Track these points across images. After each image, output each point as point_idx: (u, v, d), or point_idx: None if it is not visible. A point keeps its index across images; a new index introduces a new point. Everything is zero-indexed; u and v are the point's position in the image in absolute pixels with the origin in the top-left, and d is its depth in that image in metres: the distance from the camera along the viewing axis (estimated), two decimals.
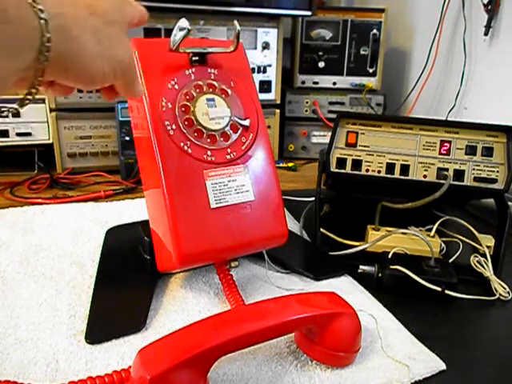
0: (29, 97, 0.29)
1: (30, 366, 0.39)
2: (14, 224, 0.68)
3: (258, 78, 1.02)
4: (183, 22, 0.44)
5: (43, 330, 0.44)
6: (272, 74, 1.03)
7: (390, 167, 0.60)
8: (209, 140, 0.47)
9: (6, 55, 0.25)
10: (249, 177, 0.49)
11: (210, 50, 0.50)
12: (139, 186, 0.84)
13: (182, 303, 0.50)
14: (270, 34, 1.00)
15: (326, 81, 1.13)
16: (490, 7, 0.93)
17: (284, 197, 0.52)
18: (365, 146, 0.60)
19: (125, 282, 0.53)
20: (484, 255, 0.60)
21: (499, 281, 0.55)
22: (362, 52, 1.12)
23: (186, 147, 0.46)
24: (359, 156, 0.60)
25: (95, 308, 0.48)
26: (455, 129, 0.59)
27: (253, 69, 1.01)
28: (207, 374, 0.35)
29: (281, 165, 1.04)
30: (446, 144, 0.59)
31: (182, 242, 0.45)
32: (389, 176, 0.60)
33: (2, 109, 0.31)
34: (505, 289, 0.54)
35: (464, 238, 0.67)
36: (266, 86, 1.03)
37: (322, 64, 1.11)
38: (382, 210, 0.63)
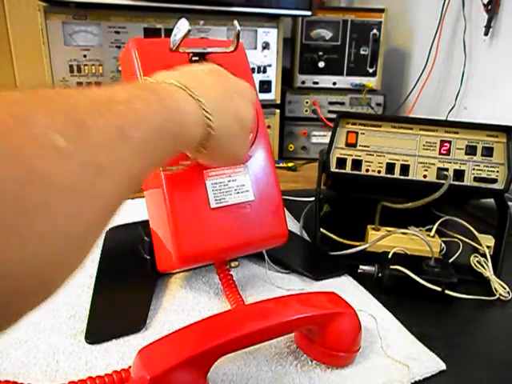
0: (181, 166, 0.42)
1: (29, 366, 0.39)
2: None
3: (258, 77, 1.02)
4: (183, 22, 0.44)
5: (43, 330, 0.44)
6: (272, 74, 1.03)
7: (390, 167, 0.60)
8: None
9: (178, 149, 0.34)
10: (249, 177, 0.49)
11: (209, 49, 0.50)
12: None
13: (181, 303, 0.50)
14: (270, 34, 1.00)
15: (326, 81, 1.13)
16: (490, 7, 0.93)
17: (284, 197, 0.52)
18: (365, 146, 0.60)
19: (125, 282, 0.53)
20: (484, 255, 0.60)
21: (499, 281, 0.55)
22: (361, 52, 1.12)
23: None
24: (359, 156, 0.60)
25: (95, 308, 0.48)
26: (455, 129, 0.59)
27: (253, 69, 1.01)
28: (207, 374, 0.35)
29: (281, 165, 1.04)
30: (445, 144, 0.59)
31: (181, 242, 0.45)
32: (389, 176, 0.60)
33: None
34: (505, 289, 0.54)
35: (464, 238, 0.67)
36: (265, 86, 1.03)
37: (321, 64, 1.11)
38: (382, 210, 0.63)
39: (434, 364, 0.42)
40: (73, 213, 0.20)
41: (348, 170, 0.61)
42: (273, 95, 1.05)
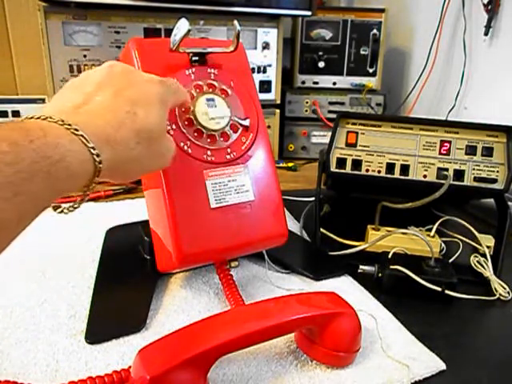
0: (84, 198, 0.35)
1: (29, 366, 0.39)
2: None
3: (258, 77, 1.02)
4: (183, 22, 0.44)
5: (43, 330, 0.44)
6: (272, 74, 1.03)
7: (390, 167, 0.60)
8: (209, 140, 0.47)
9: (61, 192, 0.30)
10: (249, 177, 0.49)
11: (209, 49, 0.50)
12: (139, 186, 0.84)
13: (182, 303, 0.50)
14: (270, 34, 1.00)
15: (326, 81, 1.13)
16: (490, 7, 0.93)
17: (284, 197, 0.52)
18: (365, 146, 0.60)
19: (125, 282, 0.53)
20: (484, 255, 0.60)
21: (499, 281, 0.55)
22: (361, 52, 1.12)
23: (186, 147, 0.46)
24: (359, 156, 0.60)
25: (95, 308, 0.48)
26: (455, 129, 0.59)
27: (253, 69, 1.01)
28: (207, 374, 0.35)
29: (281, 165, 1.04)
30: (445, 144, 0.59)
31: (181, 241, 0.45)
32: (389, 176, 0.60)
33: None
34: (505, 289, 0.54)
35: (464, 238, 0.67)
36: (266, 86, 1.03)
37: (321, 64, 1.11)
38: (382, 210, 0.63)
39: (434, 364, 0.42)
40: None
41: (348, 170, 0.61)
42: (273, 95, 1.05)
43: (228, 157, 0.48)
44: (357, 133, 0.60)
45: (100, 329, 0.45)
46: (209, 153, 0.47)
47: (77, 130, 0.30)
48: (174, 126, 0.46)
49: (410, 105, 1.19)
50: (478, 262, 0.59)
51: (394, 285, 0.53)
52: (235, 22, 0.48)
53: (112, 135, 0.33)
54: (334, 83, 1.13)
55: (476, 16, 0.99)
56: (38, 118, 0.30)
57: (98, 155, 0.31)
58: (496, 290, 0.54)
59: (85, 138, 0.30)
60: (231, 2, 0.90)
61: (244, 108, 0.51)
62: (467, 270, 0.59)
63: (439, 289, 0.51)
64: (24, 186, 0.26)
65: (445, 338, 0.46)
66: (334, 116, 0.95)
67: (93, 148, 0.30)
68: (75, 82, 0.37)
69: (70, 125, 0.30)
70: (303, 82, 1.13)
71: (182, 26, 0.44)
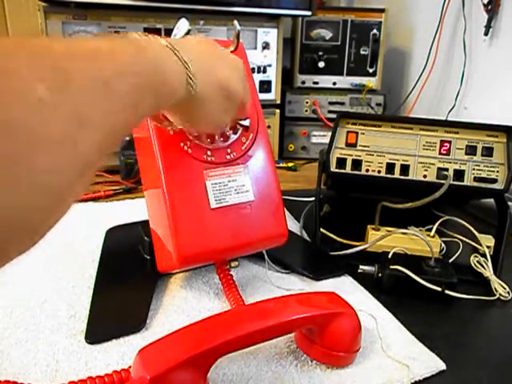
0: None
1: (29, 366, 0.39)
2: None
3: (258, 77, 1.02)
4: (183, 22, 0.44)
5: (43, 330, 0.44)
6: (272, 74, 1.03)
7: (390, 167, 0.60)
8: (209, 140, 0.47)
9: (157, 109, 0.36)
10: (249, 177, 0.49)
11: None
12: (139, 186, 0.84)
13: (182, 303, 0.50)
14: (270, 34, 1.00)
15: (326, 81, 1.13)
16: (490, 7, 0.93)
17: (284, 197, 0.52)
18: (365, 146, 0.60)
19: (125, 282, 0.53)
20: (484, 255, 0.60)
21: (499, 281, 0.55)
22: (361, 52, 1.12)
23: (185, 147, 0.46)
24: (359, 156, 0.60)
25: (95, 308, 0.48)
26: (455, 129, 0.59)
27: (253, 69, 1.01)
28: (207, 374, 0.35)
29: (281, 165, 1.04)
30: (445, 144, 0.59)
31: (182, 242, 0.45)
32: (389, 176, 0.60)
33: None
34: (505, 289, 0.54)
35: (464, 238, 0.67)
36: (266, 86, 1.03)
37: (321, 64, 1.11)
38: (382, 210, 0.63)
39: (434, 364, 0.42)
40: (52, 165, 0.21)
41: (348, 170, 0.61)
42: (273, 95, 1.05)
43: (228, 157, 0.48)
44: (357, 133, 0.60)
45: (100, 329, 0.45)
46: (209, 153, 0.47)
47: (180, 57, 0.34)
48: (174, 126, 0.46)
49: (409, 105, 1.19)
50: (477, 262, 0.59)
51: (394, 285, 0.53)
52: (235, 22, 0.48)
53: (204, 73, 0.37)
54: (334, 83, 1.13)
55: (476, 16, 0.99)
56: (145, 38, 0.33)
57: (194, 83, 0.35)
58: (496, 290, 0.54)
59: (186, 63, 0.34)
60: (231, 1, 0.90)
61: None
62: (467, 269, 0.59)
63: (439, 289, 0.51)
64: (137, 96, 0.28)
65: (445, 338, 0.46)
66: (333, 116, 0.95)
67: (193, 75, 0.35)
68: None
69: (174, 49, 0.34)
70: (303, 82, 1.13)
71: (182, 26, 0.44)
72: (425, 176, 0.59)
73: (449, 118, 1.05)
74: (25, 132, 0.19)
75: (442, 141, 0.59)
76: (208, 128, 0.44)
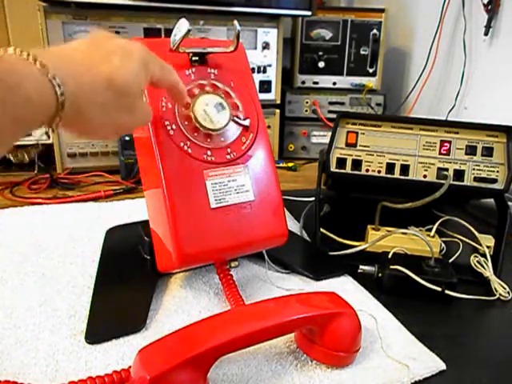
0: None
1: (29, 366, 0.39)
2: (14, 224, 0.68)
3: (258, 77, 1.02)
4: (183, 22, 0.44)
5: (43, 330, 0.44)
6: (272, 74, 1.03)
7: (390, 167, 0.60)
8: (209, 140, 0.47)
9: (23, 122, 0.29)
10: (249, 177, 0.49)
11: (209, 49, 0.50)
12: (139, 186, 0.84)
13: (182, 303, 0.50)
14: (270, 34, 1.00)
15: (326, 81, 1.13)
16: (490, 7, 0.93)
17: (284, 197, 0.52)
18: (365, 146, 0.60)
19: (125, 282, 0.53)
20: (484, 255, 0.60)
21: (499, 281, 0.55)
22: (361, 52, 1.12)
23: (185, 147, 0.46)
24: (359, 156, 0.60)
25: (95, 308, 0.48)
26: (455, 129, 0.59)
27: (253, 69, 1.01)
28: (207, 374, 0.35)
29: (281, 165, 1.04)
30: (445, 144, 0.59)
31: (181, 241, 0.45)
32: (389, 176, 0.60)
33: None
34: (505, 289, 0.54)
35: (464, 238, 0.67)
36: (266, 86, 1.03)
37: (321, 64, 1.11)
38: (382, 210, 0.63)
39: (434, 364, 0.42)
40: None
41: (348, 170, 0.61)
42: (273, 95, 1.05)
43: (228, 157, 0.48)
44: (357, 133, 0.60)
45: (100, 329, 0.45)
46: (209, 153, 0.47)
47: (36, 58, 0.29)
48: (174, 126, 0.46)
49: (409, 105, 1.19)
50: (477, 261, 0.59)
51: (394, 285, 0.53)
52: (235, 22, 0.48)
53: (79, 73, 0.32)
54: (334, 83, 1.13)
55: (476, 16, 0.99)
56: None
57: (59, 86, 0.29)
58: (496, 290, 0.54)
59: (44, 66, 0.29)
60: (231, 1, 0.90)
61: (244, 108, 0.51)
62: (467, 269, 0.59)
63: (439, 289, 0.51)
64: None
65: (445, 338, 0.46)
66: (334, 116, 0.95)
67: (53, 77, 0.29)
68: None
69: (29, 54, 0.29)
70: (303, 82, 1.13)
71: (182, 26, 0.44)
72: (425, 176, 0.59)
73: (449, 118, 1.05)
74: None
75: (441, 141, 0.59)
76: (107, 133, 0.38)
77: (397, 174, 0.60)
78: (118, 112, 0.35)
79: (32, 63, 0.29)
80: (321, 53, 1.11)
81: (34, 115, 0.29)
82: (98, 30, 0.37)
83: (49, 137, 0.89)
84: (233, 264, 0.50)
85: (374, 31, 1.10)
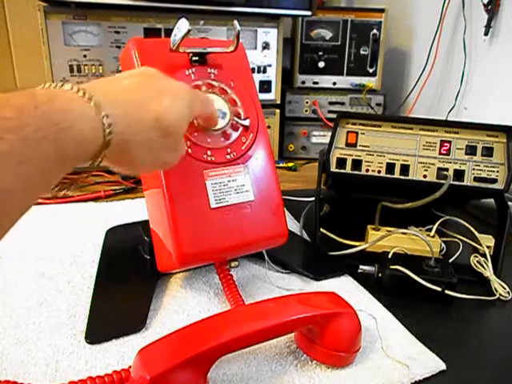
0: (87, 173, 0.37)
1: (30, 366, 0.39)
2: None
3: (258, 78, 1.02)
4: (183, 22, 0.44)
5: (43, 330, 0.44)
6: (272, 74, 1.03)
7: (390, 167, 0.60)
8: (209, 140, 0.47)
9: (70, 160, 0.29)
10: (249, 177, 0.49)
11: (209, 50, 0.50)
12: (139, 186, 0.84)
13: (182, 303, 0.50)
14: (269, 34, 1.00)
15: (326, 81, 1.13)
16: (490, 7, 0.93)
17: (284, 197, 0.52)
18: (365, 146, 0.60)
19: (125, 282, 0.53)
20: (484, 255, 0.60)
21: (499, 281, 0.55)
22: (362, 52, 1.12)
23: (185, 147, 0.46)
24: (359, 156, 0.60)
25: (95, 308, 0.48)
26: (455, 129, 0.59)
27: (253, 69, 1.01)
28: (207, 374, 0.35)
29: (281, 165, 1.04)
30: (445, 144, 0.59)
31: (181, 241, 0.45)
32: (389, 176, 0.60)
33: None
34: (505, 289, 0.54)
35: (464, 238, 0.67)
36: (266, 86, 1.03)
37: (321, 64, 1.11)
38: (382, 210, 0.63)
39: (434, 364, 0.42)
40: None
41: (348, 170, 0.61)
42: (273, 95, 1.05)
43: (228, 157, 0.48)
44: (357, 133, 0.60)
45: (100, 329, 0.45)
46: (209, 153, 0.47)
47: (91, 97, 0.29)
48: None
49: (409, 105, 1.19)
50: (478, 261, 0.59)
51: (394, 285, 0.53)
52: (235, 22, 0.48)
53: (130, 112, 0.32)
54: (334, 83, 1.13)
55: (476, 16, 0.99)
56: (52, 86, 0.29)
57: (109, 125, 0.30)
58: (496, 290, 0.54)
59: (97, 105, 0.29)
60: (231, 1, 0.90)
61: (244, 108, 0.51)
62: (467, 269, 0.59)
63: (439, 289, 0.51)
64: (28, 153, 0.25)
65: (445, 338, 0.46)
66: (334, 116, 0.95)
67: (106, 116, 0.29)
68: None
69: (84, 92, 0.29)
70: (303, 82, 1.13)
71: (182, 25, 0.44)
72: (425, 176, 0.59)
73: (449, 118, 1.05)
74: None
75: (441, 141, 0.59)
76: (148, 169, 0.40)
77: (397, 174, 0.60)
78: (162, 150, 0.36)
79: (87, 102, 0.29)
80: (321, 53, 1.11)
81: (82, 153, 0.29)
82: (148, 67, 0.38)
83: None
84: (233, 264, 0.50)
85: (374, 31, 1.10)
